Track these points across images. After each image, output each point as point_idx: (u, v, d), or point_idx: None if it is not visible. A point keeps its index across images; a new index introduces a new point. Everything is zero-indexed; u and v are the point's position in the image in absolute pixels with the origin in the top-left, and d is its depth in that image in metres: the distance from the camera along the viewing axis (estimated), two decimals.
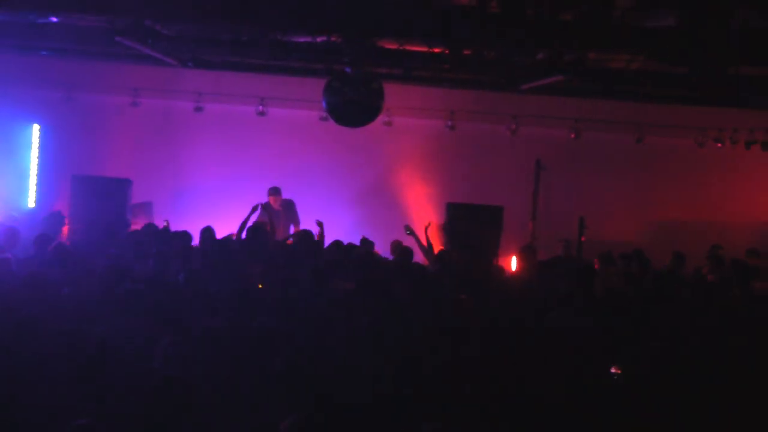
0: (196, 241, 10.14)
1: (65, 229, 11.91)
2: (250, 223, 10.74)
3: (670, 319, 8.00)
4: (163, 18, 9.72)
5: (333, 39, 10.57)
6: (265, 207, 11.91)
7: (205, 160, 14.52)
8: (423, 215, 13.98)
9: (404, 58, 11.16)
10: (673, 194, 15.26)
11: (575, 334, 6.65)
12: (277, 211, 12.30)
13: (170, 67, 12.86)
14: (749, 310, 8.69)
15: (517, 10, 8.74)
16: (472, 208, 13.23)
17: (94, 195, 12.63)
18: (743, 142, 14.53)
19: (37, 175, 14.60)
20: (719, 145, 14.69)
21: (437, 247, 11.18)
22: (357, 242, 10.56)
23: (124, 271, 7.77)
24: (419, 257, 10.54)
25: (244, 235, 10.21)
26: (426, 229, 10.93)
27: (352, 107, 11.00)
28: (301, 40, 10.90)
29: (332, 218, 11.48)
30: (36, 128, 14.60)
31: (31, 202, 14.48)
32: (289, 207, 12.85)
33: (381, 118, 13.01)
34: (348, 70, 10.78)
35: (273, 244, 10.45)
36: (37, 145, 14.61)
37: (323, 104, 11.32)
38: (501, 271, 10.23)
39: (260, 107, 14.39)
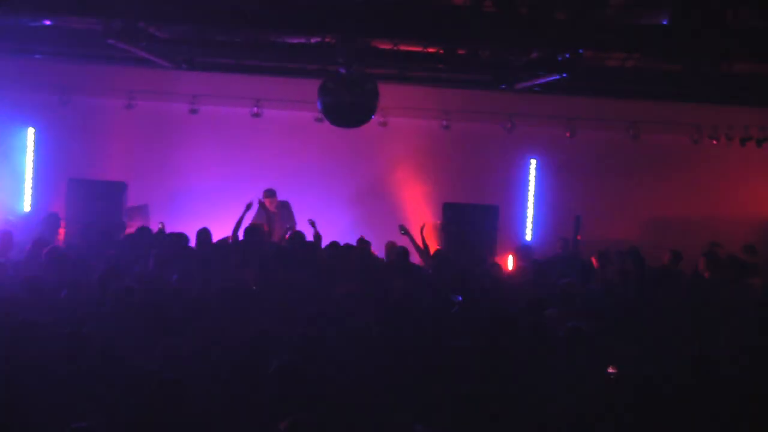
0: (192, 243, 10.15)
1: (62, 232, 11.89)
2: (246, 223, 10.75)
3: (668, 317, 8.03)
4: (156, 20, 9.71)
5: (327, 40, 10.57)
6: (262, 208, 11.90)
7: (201, 162, 14.50)
8: (419, 215, 14.00)
9: (399, 58, 11.15)
10: (668, 191, 15.27)
11: (573, 333, 6.63)
12: (273, 213, 12.30)
13: (165, 69, 12.85)
14: (746, 307, 8.70)
15: (511, 9, 8.74)
16: (467, 208, 13.25)
17: (90, 198, 12.63)
18: (738, 139, 14.54)
19: (32, 179, 14.59)
20: (714, 142, 14.69)
21: (433, 247, 11.17)
22: (354, 242, 10.57)
23: (120, 273, 7.77)
24: (414, 257, 10.54)
25: (240, 233, 10.20)
26: (421, 230, 10.92)
27: (347, 108, 11.00)
28: (296, 41, 10.90)
29: (329, 219, 11.49)
30: (31, 131, 14.59)
31: (26, 206, 14.47)
32: (285, 208, 12.85)
33: (376, 119, 13.02)
34: (342, 70, 10.79)
35: (269, 246, 10.45)
36: (33, 148, 14.60)
37: (318, 105, 11.32)
38: (498, 269, 10.26)
39: (255, 109, 14.37)
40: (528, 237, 15.08)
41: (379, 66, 12.05)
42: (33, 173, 14.59)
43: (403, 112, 14.40)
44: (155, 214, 13.63)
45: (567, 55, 10.05)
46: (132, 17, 9.42)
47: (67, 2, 8.90)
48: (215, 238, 10.43)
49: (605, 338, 7.05)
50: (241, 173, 14.09)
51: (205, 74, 13.66)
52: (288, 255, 9.60)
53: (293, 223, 12.67)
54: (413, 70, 12.81)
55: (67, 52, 12.47)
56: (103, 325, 6.45)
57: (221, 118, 14.60)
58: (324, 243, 10.49)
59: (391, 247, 11.07)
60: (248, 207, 10.75)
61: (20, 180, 14.49)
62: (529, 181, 15.29)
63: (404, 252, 9.97)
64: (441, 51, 11.06)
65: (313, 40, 10.72)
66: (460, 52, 11.16)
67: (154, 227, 11.88)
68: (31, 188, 14.56)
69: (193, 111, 14.29)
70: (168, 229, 11.34)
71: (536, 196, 15.25)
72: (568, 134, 14.65)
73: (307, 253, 9.79)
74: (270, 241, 10.81)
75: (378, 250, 11.42)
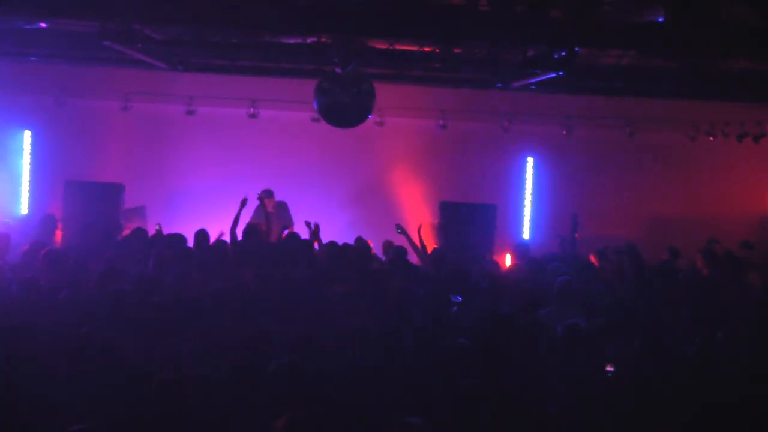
0: (190, 244, 10.14)
1: (59, 234, 11.88)
2: (244, 221, 10.73)
3: (667, 314, 8.03)
4: (152, 22, 9.70)
5: (323, 40, 10.57)
6: (261, 207, 11.89)
7: (198, 163, 14.50)
8: (416, 214, 14.01)
9: (395, 57, 11.15)
10: (665, 189, 15.29)
11: (571, 331, 6.63)
12: (270, 213, 12.29)
13: (161, 70, 12.84)
14: (744, 303, 8.71)
15: (507, 7, 8.74)
16: (465, 207, 13.25)
17: (87, 200, 12.62)
18: (735, 135, 14.55)
19: (29, 181, 14.58)
20: (711, 139, 14.71)
21: (430, 247, 11.17)
22: (351, 242, 10.57)
23: (118, 274, 7.76)
24: (411, 257, 10.54)
25: (238, 231, 10.19)
26: (419, 230, 10.92)
27: (344, 108, 11.01)
28: (291, 41, 10.89)
29: (326, 219, 11.47)
30: (28, 134, 14.59)
31: (24, 209, 14.46)
32: (282, 209, 12.85)
33: (373, 118, 13.04)
34: (339, 70, 10.78)
35: (267, 246, 10.45)
36: (29, 150, 14.60)
37: (315, 105, 11.33)
38: (496, 267, 10.27)
39: (252, 109, 14.37)
40: (525, 235, 15.10)
41: (375, 65, 12.05)
42: (30, 175, 14.60)
43: (399, 111, 14.41)
44: (152, 215, 13.62)
45: (563, 53, 10.04)
46: (128, 19, 9.41)
47: (64, 4, 8.89)
48: (212, 239, 10.42)
49: (603, 336, 7.05)
50: (239, 174, 14.08)
51: (202, 75, 13.65)
52: (284, 255, 9.59)
53: (291, 223, 12.68)
54: (409, 70, 12.81)
55: (63, 54, 12.45)
56: (102, 326, 6.44)
57: (218, 119, 14.60)
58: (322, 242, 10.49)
59: (388, 245, 11.08)
60: (243, 203, 10.71)
61: (17, 182, 14.49)
62: (526, 179, 15.30)
63: (402, 251, 9.97)
64: (437, 50, 11.06)
65: (309, 40, 10.71)
66: (456, 51, 11.16)
67: (152, 228, 11.87)
68: (28, 190, 14.57)
69: (190, 112, 14.29)
70: (165, 230, 11.33)
71: (533, 194, 15.27)
72: (564, 132, 14.66)
73: (303, 253, 9.78)
74: (268, 240, 10.81)
75: (377, 249, 11.43)
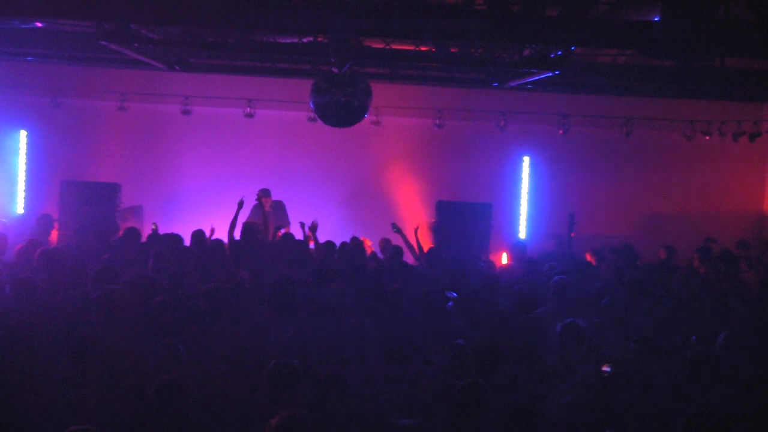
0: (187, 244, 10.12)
1: (55, 234, 11.87)
2: (241, 220, 10.72)
3: (663, 313, 8.03)
4: (148, 22, 9.69)
5: (319, 39, 10.57)
6: (260, 206, 11.88)
7: (194, 163, 14.50)
8: (413, 213, 14.02)
9: (391, 56, 11.15)
10: (662, 188, 15.31)
11: (568, 330, 6.63)
12: (268, 212, 12.29)
13: (157, 70, 12.84)
14: (741, 303, 8.72)
15: (503, 6, 8.75)
16: (461, 206, 13.25)
17: (84, 200, 12.59)
18: (731, 134, 14.55)
19: (25, 181, 14.57)
20: (707, 137, 14.71)
21: (427, 246, 11.17)
22: (347, 241, 10.57)
23: (115, 274, 7.75)
24: (407, 257, 10.54)
25: (236, 232, 10.18)
26: (415, 231, 10.90)
27: (340, 107, 11.02)
28: (287, 41, 10.89)
29: (323, 218, 11.47)
30: (24, 134, 14.57)
31: (20, 209, 14.45)
32: (279, 208, 12.85)
33: (369, 118, 13.03)
34: (335, 70, 10.79)
35: (265, 244, 10.44)
36: (25, 150, 14.59)
37: (311, 105, 11.34)
38: (492, 266, 10.27)
39: (248, 109, 14.36)
40: (522, 234, 15.10)
41: (371, 65, 12.06)
42: (26, 175, 14.58)
43: (396, 110, 14.41)
44: (149, 215, 13.63)
45: (559, 53, 10.06)
46: (124, 19, 9.40)
47: (61, 4, 8.87)
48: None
49: (600, 335, 7.05)
50: (235, 173, 14.10)
51: (198, 75, 13.67)
52: (281, 253, 9.59)
53: (287, 222, 12.68)
54: (405, 69, 12.82)
55: (59, 55, 12.46)
56: (101, 326, 6.43)
57: (214, 119, 14.59)
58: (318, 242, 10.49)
59: (386, 243, 11.08)
60: (240, 204, 10.70)
61: (13, 182, 14.48)
62: (522, 178, 15.30)
63: (400, 250, 9.98)
64: (433, 49, 11.07)
65: (304, 40, 10.71)
66: (453, 50, 11.17)
67: (148, 228, 11.86)
68: (25, 191, 14.55)
69: (186, 112, 14.27)
70: (161, 230, 11.32)
71: (530, 193, 15.27)
72: (560, 131, 14.66)
73: (299, 251, 9.78)
74: (265, 239, 10.80)
75: (374, 248, 11.44)
